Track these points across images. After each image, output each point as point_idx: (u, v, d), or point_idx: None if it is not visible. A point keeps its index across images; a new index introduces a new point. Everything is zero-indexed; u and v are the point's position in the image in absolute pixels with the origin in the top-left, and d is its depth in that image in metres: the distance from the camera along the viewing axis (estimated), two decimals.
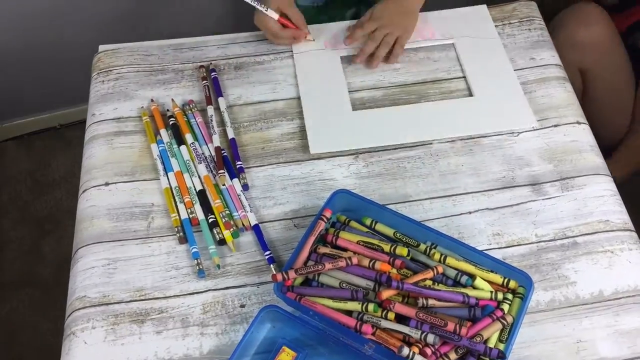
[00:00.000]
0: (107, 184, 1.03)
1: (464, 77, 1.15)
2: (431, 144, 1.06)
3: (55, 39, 1.89)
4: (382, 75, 1.15)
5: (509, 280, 0.87)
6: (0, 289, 1.92)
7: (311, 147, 1.06)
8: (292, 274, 0.86)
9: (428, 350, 0.81)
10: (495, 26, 1.21)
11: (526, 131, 1.07)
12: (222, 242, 0.96)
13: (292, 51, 1.19)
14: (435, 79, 1.15)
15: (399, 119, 1.09)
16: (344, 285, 0.87)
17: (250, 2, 1.13)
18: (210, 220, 0.97)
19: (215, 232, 0.96)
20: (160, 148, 1.05)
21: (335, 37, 1.21)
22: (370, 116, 1.10)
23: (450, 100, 1.12)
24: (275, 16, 1.14)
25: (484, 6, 1.24)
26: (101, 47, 1.21)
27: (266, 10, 1.14)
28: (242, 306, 0.91)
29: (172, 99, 1.11)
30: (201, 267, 0.93)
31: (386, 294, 0.83)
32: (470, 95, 1.12)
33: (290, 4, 1.17)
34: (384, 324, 0.82)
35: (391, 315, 0.83)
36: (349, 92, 1.13)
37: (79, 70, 1.58)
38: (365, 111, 1.10)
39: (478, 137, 1.07)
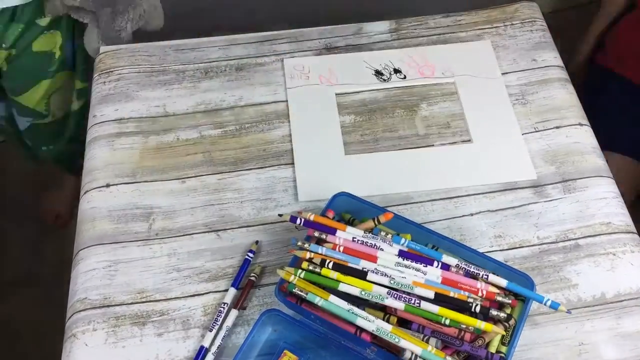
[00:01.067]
0: (108, 185, 1.02)
1: (464, 119, 1.10)
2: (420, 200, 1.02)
3: None
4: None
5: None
6: (0, 289, 1.92)
7: (300, 195, 1.02)
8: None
9: None
10: (497, 27, 1.20)
11: (528, 133, 1.07)
12: None
13: (298, 51, 1.18)
14: (436, 80, 1.15)
15: (392, 167, 1.05)
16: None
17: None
18: None
19: None
20: None
21: (330, 71, 1.16)
22: (362, 162, 1.05)
23: (448, 146, 1.07)
24: None
25: (489, 42, 1.19)
26: (102, 49, 1.20)
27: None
28: (243, 309, 0.90)
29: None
30: None
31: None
32: (469, 141, 1.07)
33: None
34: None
35: (393, 320, 0.83)
36: (353, 92, 1.13)
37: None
38: (357, 156, 1.06)
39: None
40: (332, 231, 0.87)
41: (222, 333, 0.87)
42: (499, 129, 1.08)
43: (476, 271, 0.85)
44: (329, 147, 1.07)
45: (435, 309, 0.82)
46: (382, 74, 1.16)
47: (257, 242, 0.96)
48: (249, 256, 0.94)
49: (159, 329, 0.89)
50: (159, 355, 0.87)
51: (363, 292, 0.83)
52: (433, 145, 1.07)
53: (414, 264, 0.85)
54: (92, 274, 0.94)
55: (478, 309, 0.82)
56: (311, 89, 1.14)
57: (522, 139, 1.07)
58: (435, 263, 0.85)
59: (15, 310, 1.89)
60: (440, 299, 0.83)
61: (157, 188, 1.02)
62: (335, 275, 0.84)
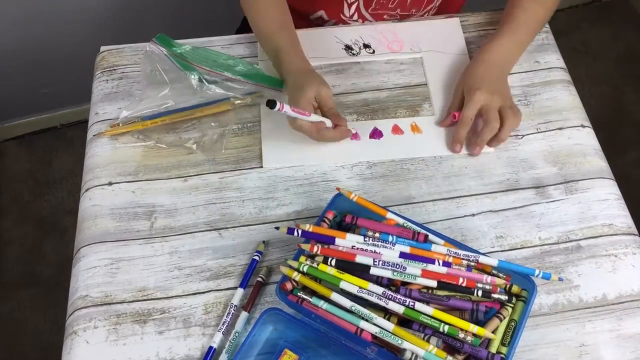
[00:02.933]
0: (110, 183, 1.02)
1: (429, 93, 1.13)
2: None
3: (56, 38, 1.89)
4: (387, 76, 1.15)
5: (511, 285, 0.87)
6: (1, 288, 1.92)
7: (265, 161, 1.04)
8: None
9: None
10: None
11: (530, 134, 1.07)
12: None
13: None
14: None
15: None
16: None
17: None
18: None
19: None
20: None
21: (303, 45, 1.12)
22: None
23: (409, 119, 1.09)
24: (326, 122, 1.03)
25: (457, 19, 1.21)
26: (103, 48, 1.20)
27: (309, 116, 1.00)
28: (243, 307, 0.90)
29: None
30: None
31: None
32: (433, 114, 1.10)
33: (323, 83, 1.04)
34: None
35: (394, 319, 0.83)
36: (354, 92, 1.12)
37: (79, 70, 1.58)
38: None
39: None
40: (331, 240, 0.87)
41: (231, 337, 0.88)
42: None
43: (466, 257, 0.86)
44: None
45: (429, 310, 0.82)
46: (351, 49, 1.18)
47: (264, 242, 0.96)
48: (257, 256, 0.94)
49: (160, 327, 0.89)
50: (160, 353, 0.87)
51: (360, 291, 0.83)
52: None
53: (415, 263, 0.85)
54: (93, 272, 0.94)
55: (480, 293, 0.83)
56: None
57: None
58: (437, 261, 0.85)
59: (15, 310, 1.89)
60: (443, 287, 0.84)
61: (159, 186, 1.02)
62: (332, 271, 0.84)
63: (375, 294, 0.83)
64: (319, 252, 0.86)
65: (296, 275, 0.85)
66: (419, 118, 1.09)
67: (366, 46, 1.18)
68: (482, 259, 0.85)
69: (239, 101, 1.10)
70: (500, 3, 1.18)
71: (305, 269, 0.85)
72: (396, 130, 1.08)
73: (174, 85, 1.11)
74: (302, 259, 0.86)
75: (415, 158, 1.05)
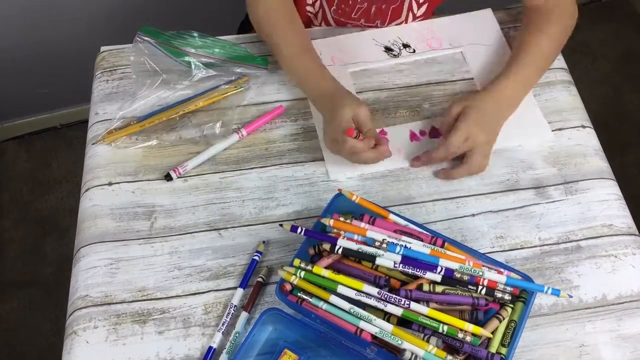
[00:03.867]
0: (110, 183, 1.02)
1: (473, 79, 1.13)
2: None
3: (55, 38, 1.89)
4: (387, 76, 1.15)
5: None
6: (0, 289, 1.92)
7: (331, 175, 1.03)
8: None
9: None
10: (502, 29, 1.20)
11: None
12: None
13: None
14: (439, 80, 1.14)
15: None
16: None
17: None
18: None
19: None
20: None
21: (342, 51, 1.17)
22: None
23: None
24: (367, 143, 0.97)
25: (489, 10, 1.22)
26: (103, 48, 1.20)
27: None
28: (244, 307, 0.90)
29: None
30: None
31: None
32: None
33: (359, 103, 0.99)
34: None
35: (393, 319, 0.83)
36: (355, 93, 1.12)
37: (80, 70, 1.58)
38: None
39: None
40: (333, 240, 0.88)
41: (231, 337, 0.88)
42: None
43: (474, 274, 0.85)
44: None
45: (425, 310, 0.82)
46: (392, 50, 1.17)
47: (264, 242, 0.96)
48: (257, 256, 0.94)
49: (160, 327, 0.89)
50: (160, 353, 0.87)
51: (357, 294, 0.83)
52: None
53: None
54: (93, 272, 0.94)
55: (484, 291, 0.83)
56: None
57: (534, 101, 1.09)
58: (439, 268, 0.85)
59: (15, 310, 1.89)
60: (447, 283, 0.85)
61: (159, 186, 1.02)
62: (326, 273, 0.85)
63: (372, 296, 0.83)
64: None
65: (295, 279, 0.85)
66: None
67: (406, 46, 1.18)
68: (488, 275, 0.84)
69: (228, 89, 1.11)
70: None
71: (302, 275, 0.85)
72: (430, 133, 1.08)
73: (166, 75, 1.11)
74: (297, 262, 0.86)
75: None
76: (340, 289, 0.84)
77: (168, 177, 1.01)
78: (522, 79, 1.05)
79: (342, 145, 0.96)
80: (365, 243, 0.87)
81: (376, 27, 1.21)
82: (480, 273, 0.84)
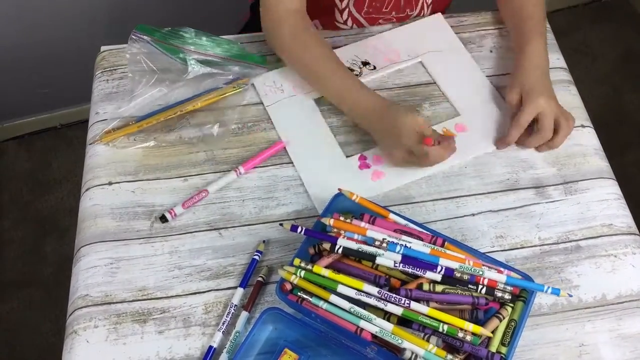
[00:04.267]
0: (110, 183, 1.02)
1: (444, 95, 1.12)
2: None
3: (55, 38, 1.89)
4: (387, 76, 1.15)
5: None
6: (0, 289, 1.92)
7: (317, 204, 1.00)
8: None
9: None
10: (500, 28, 1.20)
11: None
12: None
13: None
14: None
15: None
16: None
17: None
18: None
19: None
20: None
21: (300, 80, 1.12)
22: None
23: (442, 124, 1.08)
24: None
25: (440, 15, 1.21)
26: (103, 48, 1.20)
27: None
28: (244, 306, 0.90)
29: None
30: None
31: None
32: (457, 114, 1.10)
33: (410, 111, 0.99)
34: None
35: (394, 319, 0.83)
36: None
37: (80, 70, 1.58)
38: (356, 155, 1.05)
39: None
40: (333, 240, 0.88)
41: (231, 337, 0.88)
42: (479, 97, 1.11)
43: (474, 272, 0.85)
44: (328, 155, 1.05)
45: (425, 309, 0.82)
46: (353, 70, 1.15)
47: (264, 241, 0.96)
48: (257, 256, 0.94)
49: (160, 327, 0.89)
50: (160, 352, 0.87)
51: (358, 293, 0.83)
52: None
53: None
54: (93, 271, 0.94)
55: (484, 290, 0.84)
56: (290, 101, 1.11)
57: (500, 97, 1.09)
58: (439, 267, 0.85)
59: (15, 310, 1.89)
60: (447, 282, 0.85)
61: (159, 186, 1.02)
62: (327, 272, 0.85)
63: (372, 296, 0.83)
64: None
65: (295, 279, 0.85)
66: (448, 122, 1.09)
67: (365, 64, 1.16)
68: (488, 274, 0.84)
69: (227, 89, 1.10)
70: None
71: (302, 274, 0.85)
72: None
73: (162, 73, 1.11)
74: (297, 261, 0.86)
75: None
76: (341, 289, 0.84)
77: (163, 219, 0.98)
78: (544, 40, 1.08)
79: (421, 155, 0.97)
80: (365, 242, 0.87)
81: (406, 17, 1.22)
82: (480, 272, 0.84)
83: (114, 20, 1.87)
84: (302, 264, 0.86)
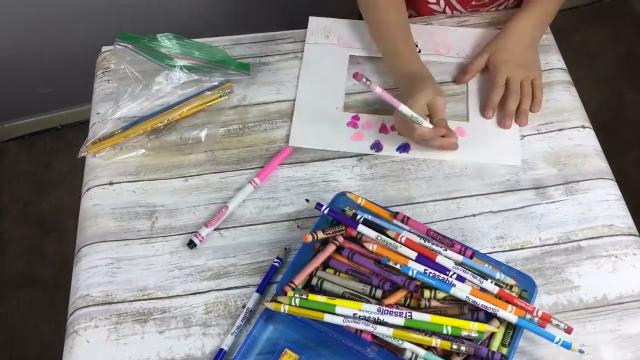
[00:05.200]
0: (111, 183, 1.03)
1: (466, 99, 1.12)
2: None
3: (56, 38, 1.89)
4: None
5: (512, 285, 0.87)
6: (1, 289, 1.92)
7: (291, 139, 1.06)
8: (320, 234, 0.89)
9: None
10: (501, 29, 1.20)
11: (530, 135, 1.07)
12: None
13: (301, 51, 1.18)
14: (441, 81, 1.14)
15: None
16: (347, 294, 0.86)
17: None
18: None
19: None
20: None
21: (348, 35, 1.19)
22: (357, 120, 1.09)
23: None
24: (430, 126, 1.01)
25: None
26: (104, 48, 1.20)
27: (421, 123, 0.99)
28: (244, 307, 0.90)
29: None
30: None
31: (392, 299, 0.84)
32: (467, 120, 1.10)
33: (438, 91, 1.02)
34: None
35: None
36: (350, 93, 1.13)
37: (80, 71, 1.58)
38: (352, 113, 1.10)
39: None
40: (354, 224, 0.89)
41: (244, 340, 0.87)
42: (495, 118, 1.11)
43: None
44: (329, 103, 1.11)
45: (427, 317, 0.81)
46: None
47: (285, 248, 0.95)
48: (277, 262, 0.94)
49: (161, 327, 0.90)
50: (160, 352, 0.87)
51: (356, 315, 0.82)
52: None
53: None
54: (94, 271, 0.94)
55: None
56: (327, 48, 1.19)
57: (517, 129, 1.08)
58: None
59: (15, 310, 1.89)
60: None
61: (159, 186, 1.02)
62: (323, 299, 0.83)
63: (371, 312, 0.82)
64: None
65: (284, 308, 0.83)
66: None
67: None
68: (501, 313, 0.82)
69: (211, 95, 1.11)
70: None
71: (297, 302, 0.83)
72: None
73: (147, 81, 1.12)
74: (291, 293, 0.84)
75: (416, 158, 1.05)
76: (339, 310, 0.82)
77: (191, 244, 0.96)
78: (542, 7, 1.13)
79: (411, 129, 1.00)
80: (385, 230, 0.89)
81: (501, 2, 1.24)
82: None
83: (115, 20, 1.88)
84: (297, 295, 0.83)
